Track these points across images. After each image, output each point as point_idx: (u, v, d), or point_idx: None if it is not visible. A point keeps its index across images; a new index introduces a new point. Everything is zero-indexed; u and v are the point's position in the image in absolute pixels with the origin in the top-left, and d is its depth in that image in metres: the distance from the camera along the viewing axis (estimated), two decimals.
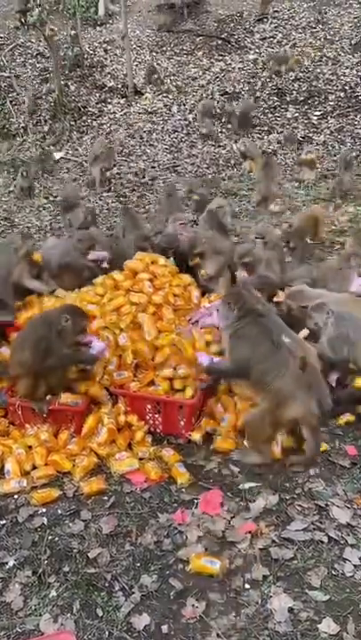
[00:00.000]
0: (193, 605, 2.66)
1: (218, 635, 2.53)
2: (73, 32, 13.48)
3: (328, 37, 13.39)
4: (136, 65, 13.37)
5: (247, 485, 3.33)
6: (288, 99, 12.11)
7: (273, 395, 3.36)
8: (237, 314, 3.54)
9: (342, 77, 12.30)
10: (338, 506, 3.15)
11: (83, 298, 4.48)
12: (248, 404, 3.79)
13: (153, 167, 10.31)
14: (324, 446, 3.58)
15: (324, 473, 3.42)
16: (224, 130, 11.37)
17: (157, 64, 13.35)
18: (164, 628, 2.57)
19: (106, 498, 3.31)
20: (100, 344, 3.86)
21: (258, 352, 3.43)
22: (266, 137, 11.12)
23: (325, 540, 2.96)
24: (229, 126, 11.40)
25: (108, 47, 14.22)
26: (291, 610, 2.61)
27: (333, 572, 2.79)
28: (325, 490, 3.28)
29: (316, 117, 11.47)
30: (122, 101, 12.72)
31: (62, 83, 12.57)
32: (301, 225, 6.49)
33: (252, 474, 3.44)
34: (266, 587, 2.73)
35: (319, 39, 13.42)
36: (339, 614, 2.59)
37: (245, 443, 3.63)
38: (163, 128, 11.77)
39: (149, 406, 3.78)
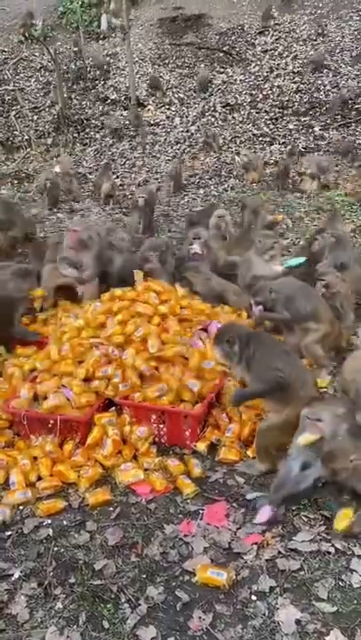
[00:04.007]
0: (200, 617, 2.64)
1: None
2: (76, 47, 13.66)
3: (329, 50, 13.49)
4: (138, 77, 13.48)
5: (253, 496, 3.32)
6: (290, 110, 12.20)
7: (303, 401, 3.36)
8: (239, 346, 3.57)
9: (343, 89, 12.39)
10: None
11: (87, 315, 4.44)
12: (254, 413, 3.79)
13: (156, 178, 10.36)
14: None
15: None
16: None
17: (160, 76, 13.46)
18: None
19: (111, 509, 3.30)
20: None
21: (279, 365, 3.47)
22: (268, 148, 11.19)
23: (332, 550, 2.94)
24: None
25: (111, 60, 14.36)
26: (298, 622, 2.59)
27: (340, 584, 2.78)
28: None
29: (318, 128, 11.55)
30: (124, 113, 12.82)
31: (65, 95, 12.69)
32: None
33: (257, 484, 3.43)
34: (273, 598, 2.71)
35: (320, 51, 13.52)
36: (347, 626, 2.57)
37: (249, 453, 3.63)
38: (165, 140, 11.85)
39: (154, 417, 3.78)
